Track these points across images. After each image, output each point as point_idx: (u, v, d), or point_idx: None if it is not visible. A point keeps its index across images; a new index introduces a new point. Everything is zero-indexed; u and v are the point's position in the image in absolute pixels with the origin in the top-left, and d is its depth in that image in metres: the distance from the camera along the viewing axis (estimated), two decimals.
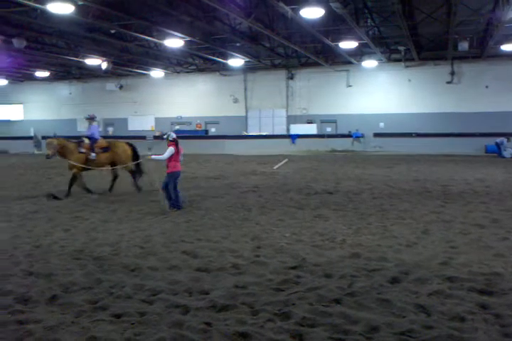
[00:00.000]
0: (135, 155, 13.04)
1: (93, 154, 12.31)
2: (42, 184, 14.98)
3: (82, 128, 37.18)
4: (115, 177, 13.02)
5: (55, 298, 5.16)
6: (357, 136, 29.64)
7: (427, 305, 4.83)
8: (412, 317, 4.56)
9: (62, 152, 12.07)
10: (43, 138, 32.96)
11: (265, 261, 6.42)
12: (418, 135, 28.22)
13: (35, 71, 32.71)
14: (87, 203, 11.29)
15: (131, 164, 12.75)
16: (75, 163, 11.96)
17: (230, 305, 4.91)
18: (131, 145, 13.22)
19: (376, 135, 29.40)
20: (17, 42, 21.40)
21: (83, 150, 12.23)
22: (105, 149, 12.63)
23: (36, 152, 32.36)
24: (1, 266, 6.30)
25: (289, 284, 5.53)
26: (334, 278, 5.69)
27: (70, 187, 12.08)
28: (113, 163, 12.76)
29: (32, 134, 34.86)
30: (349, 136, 29.83)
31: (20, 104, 38.98)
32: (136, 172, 12.94)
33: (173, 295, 5.24)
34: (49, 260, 6.60)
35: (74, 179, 12.11)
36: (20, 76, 35.87)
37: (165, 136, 10.52)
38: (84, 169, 12.26)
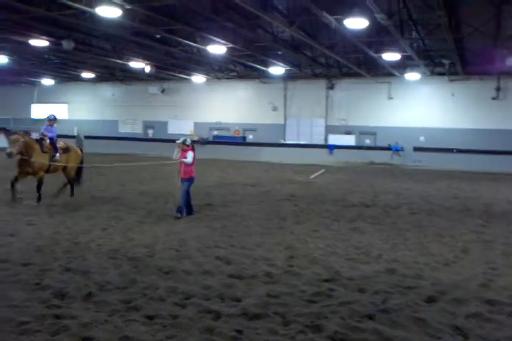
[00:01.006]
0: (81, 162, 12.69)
1: (58, 154, 11.64)
2: (85, 183, 15.31)
3: (124, 129, 38.03)
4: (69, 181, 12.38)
5: (91, 296, 5.26)
6: (396, 149, 29.19)
7: (464, 327, 4.70)
8: (447, 339, 4.44)
9: (26, 151, 10.90)
10: (86, 137, 33.85)
11: (298, 271, 6.37)
12: (459, 151, 27.58)
13: (81, 72, 33.61)
14: (124, 204, 11.48)
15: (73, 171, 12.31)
16: (41, 163, 11.11)
17: (261, 313, 4.90)
18: (81, 151, 12.99)
19: (416, 149, 28.88)
20: (66, 44, 22.03)
21: (46, 149, 11.42)
22: (65, 150, 12.07)
23: None
24: (42, 261, 6.48)
25: (321, 296, 5.47)
26: (368, 293, 5.60)
27: (39, 191, 11.27)
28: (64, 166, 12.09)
29: (75, 134, 35.76)
30: (388, 148, 29.40)
31: (65, 103, 40.07)
32: (76, 179, 12.51)
33: (206, 300, 5.27)
34: (86, 257, 6.75)
35: (41, 182, 11.31)
36: (67, 76, 36.92)
37: (178, 141, 10.23)
38: (47, 171, 11.53)
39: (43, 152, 11.29)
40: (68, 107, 40.15)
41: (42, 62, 30.82)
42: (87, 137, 34.23)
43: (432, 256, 7.41)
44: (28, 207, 10.51)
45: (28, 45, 22.97)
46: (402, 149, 29.12)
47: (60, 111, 40.10)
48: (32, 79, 37.62)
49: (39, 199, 11.12)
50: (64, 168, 12.04)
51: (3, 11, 18.07)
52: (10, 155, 10.57)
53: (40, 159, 11.08)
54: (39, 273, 6.02)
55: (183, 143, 10.13)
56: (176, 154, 10.22)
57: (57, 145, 11.83)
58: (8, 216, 9.56)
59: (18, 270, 6.11)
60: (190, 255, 7.06)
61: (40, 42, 22.32)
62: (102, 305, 5.01)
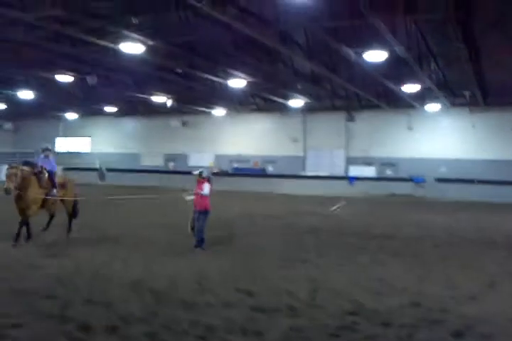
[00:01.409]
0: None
1: (55, 190, 10.64)
2: (105, 215, 15.50)
3: (146, 162, 38.47)
4: (52, 216, 11.44)
5: (115, 328, 5.25)
6: (418, 181, 28.95)
7: None
8: None
9: (22, 185, 9.88)
10: (108, 170, 34.39)
11: (322, 304, 6.30)
12: (481, 182, 27.21)
13: (103, 106, 34.44)
14: (144, 236, 11.51)
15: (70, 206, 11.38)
16: (35, 198, 10.07)
17: None
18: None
19: (438, 180, 28.61)
20: (90, 80, 22.70)
21: (44, 184, 10.38)
22: (63, 186, 11.09)
23: (100, 182, 33.64)
24: (64, 293, 6.51)
25: (345, 330, 5.39)
26: (393, 327, 5.49)
27: (20, 230, 9.97)
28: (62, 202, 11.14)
29: (97, 166, 36.36)
30: (409, 180, 29.18)
31: (89, 137, 40.92)
32: (74, 214, 11.53)
33: (228, 333, 5.23)
34: (108, 289, 6.77)
35: (26, 221, 10.16)
36: (90, 111, 37.84)
37: (195, 173, 10.27)
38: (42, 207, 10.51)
39: (40, 187, 10.27)
40: (91, 140, 40.98)
41: (66, 97, 31.70)
42: (109, 170, 34.79)
43: (457, 289, 7.26)
44: (50, 239, 10.62)
45: (54, 80, 23.74)
46: (423, 180, 28.86)
47: (83, 144, 41.12)
48: (57, 113, 38.64)
49: (17, 238, 9.81)
50: (62, 203, 11.15)
51: (31, 48, 18.82)
52: (7, 191, 9.58)
53: (35, 194, 10.04)
54: (62, 305, 6.04)
55: (199, 175, 10.18)
56: (188, 196, 10.18)
57: (56, 180, 10.82)
58: (31, 248, 9.68)
59: (41, 302, 6.15)
60: (212, 287, 7.03)
61: (65, 78, 23.03)
62: (126, 338, 5.00)
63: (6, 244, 9.69)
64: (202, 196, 9.99)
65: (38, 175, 10.34)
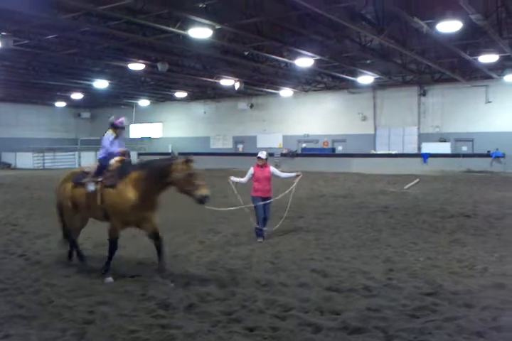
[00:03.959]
0: None
1: None
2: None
3: (216, 145, 39.04)
4: None
5: (193, 307, 5.43)
6: (497, 156, 27.48)
7: None
8: None
9: None
10: (180, 154, 35.21)
11: (398, 285, 6.17)
12: None
13: (174, 92, 35.24)
14: (223, 216, 11.63)
15: None
16: None
17: (362, 328, 4.80)
18: None
19: None
20: (161, 66, 23.26)
21: None
22: None
23: None
24: (145, 273, 6.79)
25: (424, 311, 5.26)
26: (475, 309, 5.29)
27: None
28: None
29: (169, 151, 37.39)
30: (488, 155, 27.78)
31: (160, 122, 42.10)
32: None
33: (305, 312, 5.25)
34: (186, 269, 6.99)
35: None
36: (161, 97, 38.86)
37: (262, 156, 9.31)
38: None
39: None
40: (163, 126, 42.15)
41: (139, 85, 32.73)
42: (180, 154, 35.69)
43: None
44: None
45: (126, 69, 24.55)
46: (503, 155, 27.37)
47: (155, 129, 42.42)
48: (129, 100, 40.01)
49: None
50: None
51: (105, 39, 19.51)
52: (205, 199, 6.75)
53: None
54: (143, 284, 6.30)
55: (266, 159, 9.37)
56: (236, 178, 9.46)
57: None
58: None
59: (125, 281, 6.45)
60: (286, 267, 7.08)
61: (137, 66, 23.76)
62: (204, 316, 5.15)
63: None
64: (269, 181, 9.28)
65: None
